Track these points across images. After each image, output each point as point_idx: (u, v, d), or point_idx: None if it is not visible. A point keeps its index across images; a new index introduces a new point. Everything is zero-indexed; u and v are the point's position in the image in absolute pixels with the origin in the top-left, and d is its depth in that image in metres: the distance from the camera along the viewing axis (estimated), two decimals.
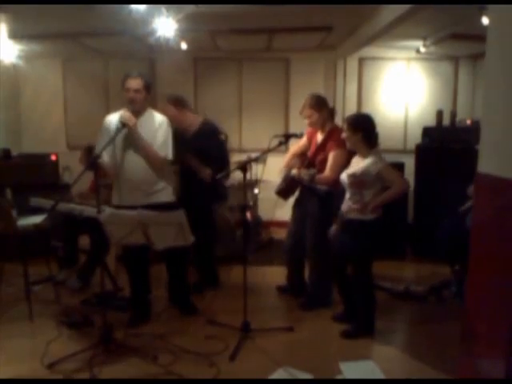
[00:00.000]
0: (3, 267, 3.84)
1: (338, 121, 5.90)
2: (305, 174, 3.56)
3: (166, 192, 3.43)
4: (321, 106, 3.67)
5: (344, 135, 3.27)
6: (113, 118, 3.31)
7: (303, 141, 3.89)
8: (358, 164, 3.22)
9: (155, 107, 3.57)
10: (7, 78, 6.10)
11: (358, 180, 3.16)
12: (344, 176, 3.26)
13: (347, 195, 3.27)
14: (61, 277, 4.24)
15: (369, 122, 3.23)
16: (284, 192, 3.85)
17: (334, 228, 3.40)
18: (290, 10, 4.12)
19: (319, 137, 3.77)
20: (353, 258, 3.26)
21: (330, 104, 3.87)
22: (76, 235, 4.30)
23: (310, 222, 3.73)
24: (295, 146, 3.93)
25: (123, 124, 3.12)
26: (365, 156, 3.20)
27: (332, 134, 3.66)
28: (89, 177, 3.21)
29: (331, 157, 3.57)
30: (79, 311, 3.64)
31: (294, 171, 3.67)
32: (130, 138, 3.23)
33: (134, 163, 3.28)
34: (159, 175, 3.36)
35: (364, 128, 3.19)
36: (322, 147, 3.68)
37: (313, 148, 3.80)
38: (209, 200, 4.18)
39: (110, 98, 6.40)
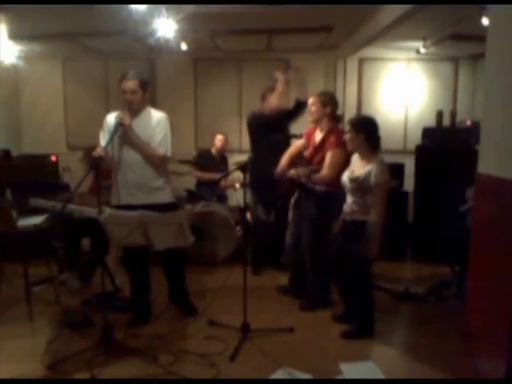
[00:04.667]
0: (3, 267, 3.84)
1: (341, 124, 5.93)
2: (302, 170, 3.55)
3: (165, 192, 3.43)
4: (326, 103, 3.68)
5: (346, 136, 3.26)
6: (112, 117, 3.33)
7: (301, 141, 3.89)
8: (361, 168, 3.17)
9: (155, 106, 3.57)
10: (7, 78, 6.10)
11: (360, 186, 3.14)
12: (345, 179, 3.24)
13: (349, 198, 3.25)
14: (65, 277, 4.24)
15: (372, 124, 3.23)
16: (282, 195, 3.86)
17: (335, 228, 3.41)
18: (289, 11, 4.13)
19: (318, 136, 3.76)
20: (354, 259, 3.25)
21: (340, 111, 3.87)
22: (78, 236, 4.29)
23: (307, 223, 3.72)
24: (293, 146, 3.92)
25: (120, 123, 3.15)
26: (368, 160, 3.17)
27: (331, 134, 3.66)
28: (89, 178, 3.22)
29: (329, 156, 3.57)
30: (79, 311, 3.64)
31: (292, 171, 3.65)
32: (126, 137, 3.25)
33: (132, 161, 3.29)
34: (158, 173, 3.36)
35: (367, 130, 3.18)
36: (321, 146, 3.68)
37: (311, 147, 3.79)
38: None
39: (110, 98, 6.40)
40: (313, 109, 3.71)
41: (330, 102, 3.70)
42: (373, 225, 3.09)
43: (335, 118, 3.78)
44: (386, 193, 3.14)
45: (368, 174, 3.11)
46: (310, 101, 3.74)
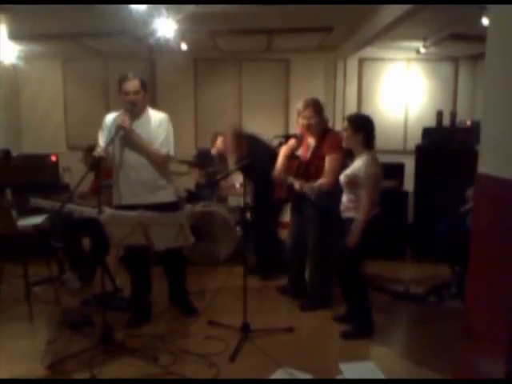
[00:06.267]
0: (3, 267, 3.84)
1: (338, 124, 5.93)
2: (310, 190, 3.54)
3: (167, 191, 3.43)
4: (319, 111, 3.66)
5: (343, 133, 3.27)
6: (112, 118, 3.33)
7: (292, 141, 3.87)
8: (354, 162, 3.24)
9: (155, 106, 3.57)
10: (7, 79, 6.10)
11: (351, 180, 3.19)
12: (342, 176, 3.28)
13: (344, 195, 3.29)
14: (67, 276, 4.25)
15: (370, 123, 3.25)
16: (283, 197, 3.86)
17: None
18: (289, 11, 4.13)
19: (310, 140, 3.74)
20: (349, 256, 3.25)
21: (340, 111, 3.87)
22: (78, 236, 4.29)
23: (310, 225, 3.72)
24: (285, 147, 3.89)
25: (120, 127, 3.15)
26: (360, 156, 3.21)
27: (326, 138, 3.65)
28: (90, 178, 3.22)
29: (328, 161, 3.56)
30: (79, 311, 3.64)
31: (296, 185, 3.62)
32: (128, 138, 3.25)
33: (134, 162, 3.29)
34: (160, 173, 3.37)
35: (366, 129, 3.20)
36: (317, 151, 3.66)
37: (305, 150, 3.77)
38: None
39: (110, 98, 6.41)
40: (312, 122, 3.61)
41: (320, 108, 3.68)
42: (357, 218, 3.13)
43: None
44: (376, 187, 3.15)
45: (358, 168, 3.16)
46: (302, 113, 3.64)
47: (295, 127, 4.53)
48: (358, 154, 3.24)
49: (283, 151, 3.86)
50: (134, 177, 3.30)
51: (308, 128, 3.67)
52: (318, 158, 3.64)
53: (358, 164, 3.19)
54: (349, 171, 3.23)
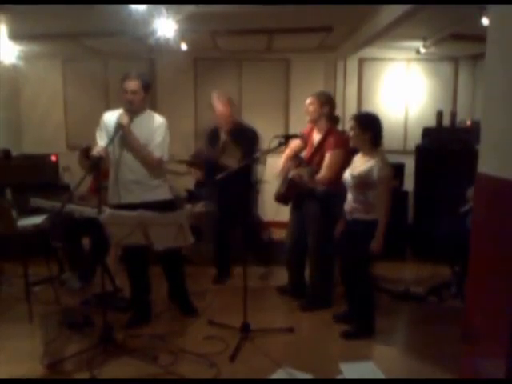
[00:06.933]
0: (3, 267, 3.85)
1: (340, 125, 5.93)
2: (303, 171, 3.55)
3: (162, 189, 3.45)
4: (324, 103, 3.68)
5: (351, 133, 3.25)
6: (111, 116, 3.34)
7: (296, 142, 3.88)
8: (363, 164, 3.19)
9: (155, 108, 3.57)
10: (7, 78, 6.10)
11: (363, 182, 3.14)
12: (348, 176, 3.24)
13: (350, 196, 3.26)
14: (67, 276, 4.25)
15: (378, 122, 3.22)
16: (284, 197, 3.85)
17: (338, 229, 3.41)
18: (289, 11, 4.12)
19: (316, 137, 3.76)
20: (356, 258, 3.24)
21: (340, 111, 3.86)
22: (78, 236, 4.29)
23: (310, 224, 3.73)
24: (288, 148, 3.91)
25: (120, 125, 3.16)
26: (370, 156, 3.18)
27: (329, 135, 3.66)
28: (89, 179, 3.22)
29: (328, 157, 3.57)
30: (79, 312, 3.64)
31: (292, 172, 3.64)
32: (124, 137, 3.26)
33: (132, 161, 3.31)
34: (156, 172, 3.39)
35: (374, 128, 3.18)
36: (319, 147, 3.68)
37: (309, 148, 3.79)
38: None
39: (110, 99, 6.40)
40: (311, 108, 3.71)
41: (327, 102, 3.70)
42: (379, 222, 3.09)
43: (333, 119, 3.77)
44: (390, 188, 3.14)
45: (370, 169, 3.11)
46: (308, 100, 3.73)
47: (295, 127, 4.54)
48: (365, 154, 3.21)
49: (286, 152, 3.89)
50: (130, 175, 3.31)
51: (306, 112, 3.75)
52: (320, 154, 3.64)
53: (369, 165, 3.13)
54: (358, 172, 3.17)
